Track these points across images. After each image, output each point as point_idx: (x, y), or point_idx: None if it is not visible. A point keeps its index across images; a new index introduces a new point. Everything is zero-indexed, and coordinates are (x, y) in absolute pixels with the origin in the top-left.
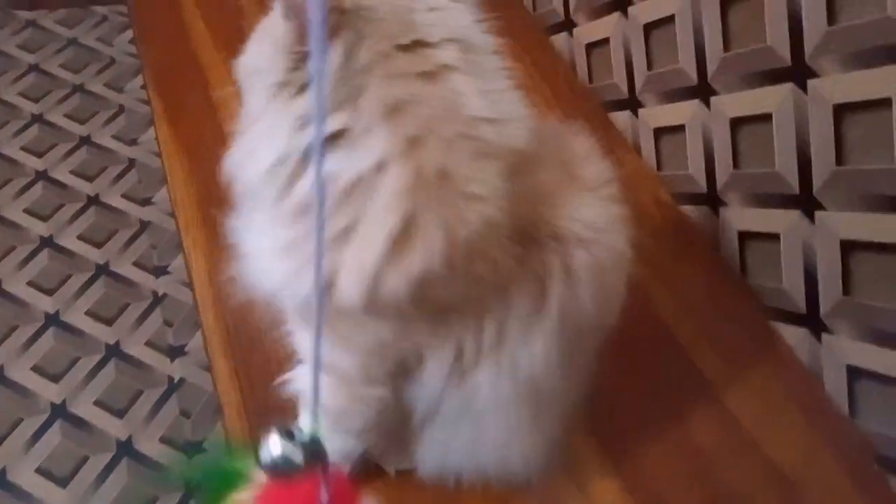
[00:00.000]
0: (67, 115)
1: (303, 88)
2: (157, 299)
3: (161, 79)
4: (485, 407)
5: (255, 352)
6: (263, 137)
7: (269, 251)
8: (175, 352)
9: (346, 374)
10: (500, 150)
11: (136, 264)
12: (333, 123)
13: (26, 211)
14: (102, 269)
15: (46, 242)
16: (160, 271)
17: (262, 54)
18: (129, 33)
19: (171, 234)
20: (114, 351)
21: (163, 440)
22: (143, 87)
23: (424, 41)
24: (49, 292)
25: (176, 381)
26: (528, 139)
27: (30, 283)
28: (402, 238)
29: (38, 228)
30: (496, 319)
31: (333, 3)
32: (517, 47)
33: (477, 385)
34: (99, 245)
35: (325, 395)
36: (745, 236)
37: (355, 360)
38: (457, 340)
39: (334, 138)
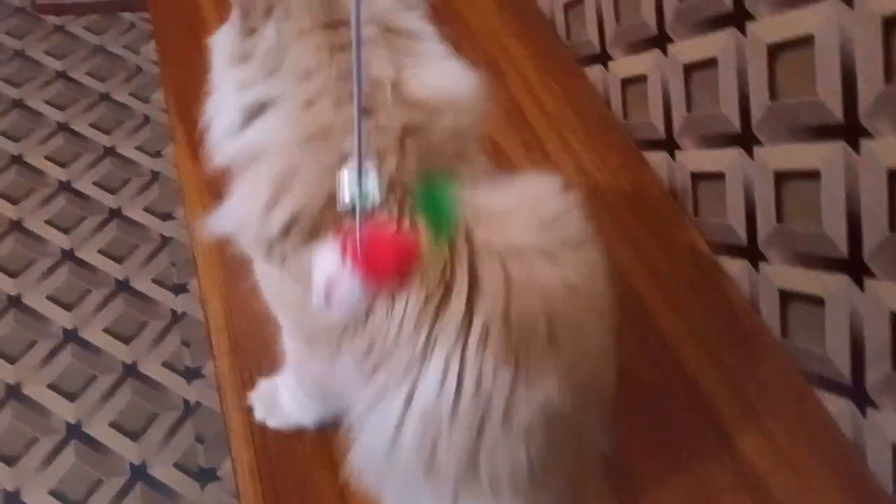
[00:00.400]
0: (93, 125)
1: (245, 58)
2: (176, 318)
3: (184, 106)
4: (379, 432)
5: (285, 441)
6: (220, 101)
7: (231, 201)
8: (191, 374)
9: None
10: (391, 107)
11: (156, 281)
12: (260, 93)
13: (48, 222)
14: (122, 286)
15: (67, 256)
16: (179, 289)
17: (220, 36)
18: (153, 43)
19: (191, 252)
20: (131, 371)
21: (177, 466)
22: (166, 110)
23: (346, 21)
24: (68, 307)
25: (192, 404)
26: (434, 96)
27: (49, 298)
28: (285, 182)
29: (60, 241)
30: (398, 310)
31: None
32: (548, 76)
33: (379, 395)
34: (119, 260)
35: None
36: (786, 296)
37: (287, 321)
38: (368, 331)
39: (260, 107)
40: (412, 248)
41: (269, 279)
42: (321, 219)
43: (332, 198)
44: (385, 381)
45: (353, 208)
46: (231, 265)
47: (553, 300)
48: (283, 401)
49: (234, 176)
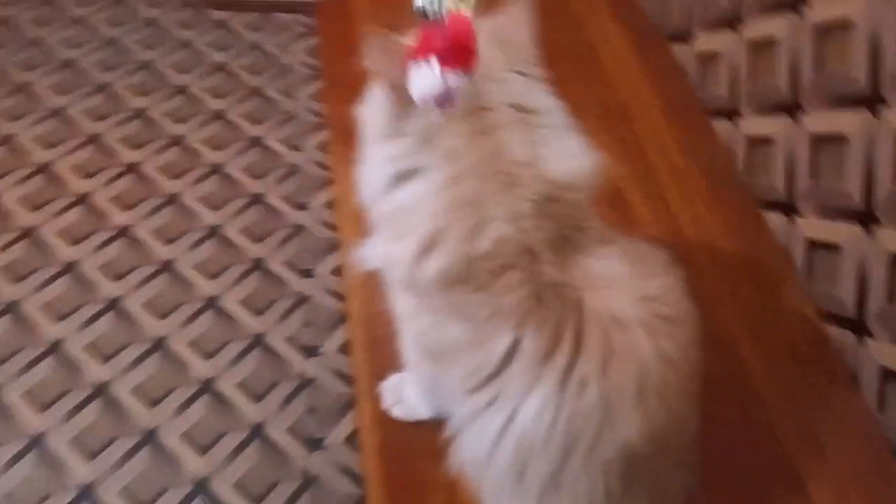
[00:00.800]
0: (244, 116)
1: (396, 135)
2: (301, 300)
3: (340, 116)
4: (480, 441)
5: (406, 429)
6: (371, 169)
7: (375, 241)
8: (310, 351)
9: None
10: (531, 182)
11: (287, 264)
12: (409, 163)
13: (200, 199)
14: (258, 264)
15: (214, 231)
16: (306, 273)
17: (369, 110)
18: (306, 42)
19: (319, 240)
20: (259, 341)
21: (289, 430)
22: (311, 110)
23: (485, 107)
24: (212, 276)
25: (307, 378)
26: (565, 174)
27: (195, 267)
28: (431, 242)
29: (209, 218)
30: (508, 346)
31: None
32: (676, 126)
33: (480, 410)
34: (258, 240)
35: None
36: (888, 374)
37: (406, 336)
38: (479, 353)
39: (409, 174)
40: (470, 29)
41: (404, 305)
42: (464, 271)
43: (474, 256)
44: (485, 400)
45: (426, 15)
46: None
47: (647, 368)
48: (408, 394)
49: (381, 223)
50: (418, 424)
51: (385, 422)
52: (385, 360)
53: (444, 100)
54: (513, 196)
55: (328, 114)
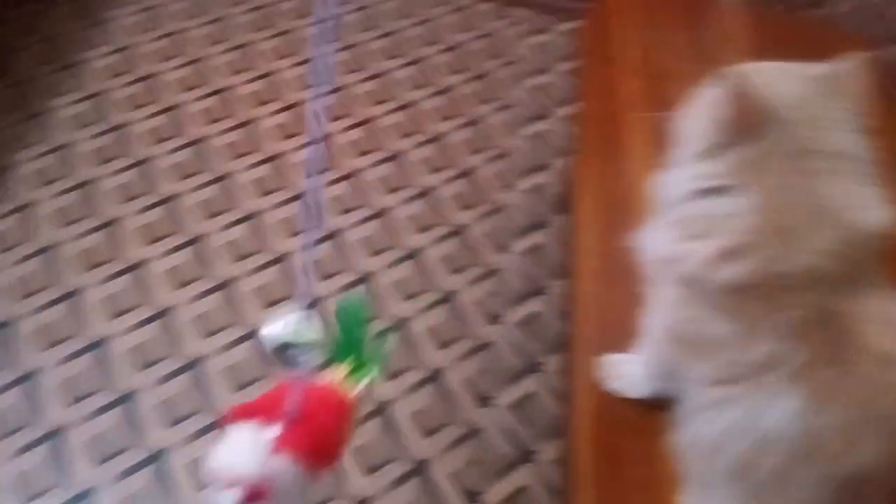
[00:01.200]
0: (473, 94)
1: (709, 156)
2: (493, 270)
3: (594, 130)
4: (711, 429)
5: (617, 402)
6: (679, 177)
7: (664, 236)
8: (494, 318)
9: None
10: (839, 227)
11: (487, 235)
12: (727, 180)
13: (422, 161)
14: (461, 229)
15: (427, 192)
16: (502, 248)
17: (695, 126)
18: (536, 38)
19: (518, 221)
20: (451, 296)
21: (463, 382)
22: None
23: (811, 150)
24: (421, 231)
25: (487, 341)
26: (868, 223)
27: (407, 219)
28: (734, 252)
29: (428, 180)
30: (773, 353)
31: (765, 115)
32: None
33: (720, 402)
34: (466, 208)
35: (647, 335)
36: None
37: (657, 322)
38: (740, 352)
39: (719, 190)
40: (346, 419)
41: (669, 294)
42: (756, 283)
43: (772, 274)
44: (730, 394)
45: (284, 356)
46: (606, 257)
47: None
48: (629, 372)
49: (675, 223)
50: (629, 400)
51: (599, 391)
52: (607, 335)
53: (254, 492)
54: (821, 236)
55: (582, 117)
